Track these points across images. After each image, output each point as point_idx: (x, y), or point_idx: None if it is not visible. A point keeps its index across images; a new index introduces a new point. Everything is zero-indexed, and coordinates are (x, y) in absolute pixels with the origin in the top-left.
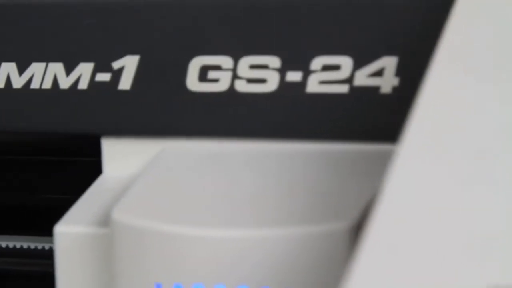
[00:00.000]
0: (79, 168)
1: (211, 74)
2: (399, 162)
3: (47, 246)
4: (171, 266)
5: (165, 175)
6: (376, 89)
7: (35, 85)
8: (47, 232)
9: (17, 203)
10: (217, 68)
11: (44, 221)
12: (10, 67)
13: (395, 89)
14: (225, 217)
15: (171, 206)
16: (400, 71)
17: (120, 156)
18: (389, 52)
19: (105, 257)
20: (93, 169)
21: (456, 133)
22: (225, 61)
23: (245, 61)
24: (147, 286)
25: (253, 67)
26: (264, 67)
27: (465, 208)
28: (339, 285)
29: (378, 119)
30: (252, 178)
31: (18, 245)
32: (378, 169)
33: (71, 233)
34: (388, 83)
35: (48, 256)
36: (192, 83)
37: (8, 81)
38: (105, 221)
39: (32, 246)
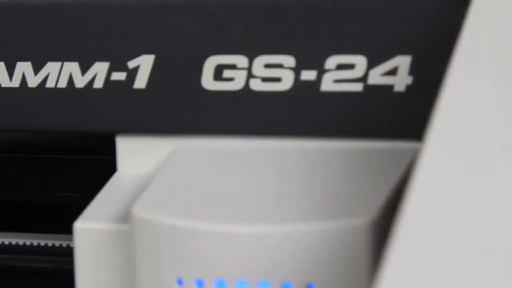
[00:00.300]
0: (93, 166)
1: (226, 73)
2: (425, 160)
3: (64, 244)
4: (193, 261)
5: (182, 172)
6: (390, 87)
7: (50, 84)
8: (63, 229)
9: (32, 201)
10: (232, 67)
11: (59, 219)
12: (25, 67)
13: (408, 87)
14: (246, 213)
15: (191, 202)
16: (413, 70)
17: (135, 154)
18: (402, 51)
19: (124, 253)
20: (108, 167)
21: (479, 131)
22: (240, 60)
23: (260, 60)
24: (168, 281)
25: (268, 66)
26: (279, 66)
27: (492, 205)
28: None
29: (392, 117)
30: (269, 175)
31: (35, 243)
32: (393, 166)
33: (91, 229)
34: (401, 81)
35: (63, 253)
36: (207, 82)
37: (24, 80)
38: (123, 217)
39: (50, 243)
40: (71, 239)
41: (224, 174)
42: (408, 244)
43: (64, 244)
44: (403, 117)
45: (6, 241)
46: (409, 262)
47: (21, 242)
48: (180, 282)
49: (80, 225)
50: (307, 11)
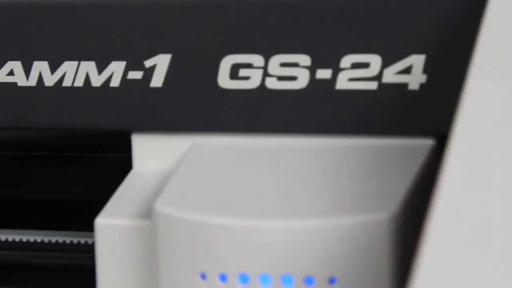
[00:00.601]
0: (108, 164)
1: (242, 72)
2: (452, 157)
3: (75, 240)
4: (216, 256)
5: (202, 169)
6: (404, 85)
7: (67, 83)
8: (80, 226)
9: (47, 198)
10: (248, 66)
11: (75, 216)
12: (42, 66)
13: (422, 85)
14: (268, 208)
15: (213, 198)
16: (427, 69)
17: (150, 152)
18: (417, 50)
19: (145, 248)
20: (123, 165)
21: (504, 128)
22: (256, 59)
23: (276, 59)
24: (191, 276)
25: (283, 65)
26: (295, 65)
27: None
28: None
29: (406, 115)
30: (287, 171)
31: (53, 240)
32: (409, 162)
33: (112, 225)
34: (416, 80)
35: (78, 250)
36: (224, 80)
37: (40, 79)
38: (144, 213)
39: (68, 240)
40: (86, 236)
41: (243, 170)
42: (439, 243)
43: (82, 241)
44: (417, 114)
45: (24, 238)
46: (441, 263)
47: (39, 239)
48: (203, 276)
49: (101, 221)
50: (323, 11)
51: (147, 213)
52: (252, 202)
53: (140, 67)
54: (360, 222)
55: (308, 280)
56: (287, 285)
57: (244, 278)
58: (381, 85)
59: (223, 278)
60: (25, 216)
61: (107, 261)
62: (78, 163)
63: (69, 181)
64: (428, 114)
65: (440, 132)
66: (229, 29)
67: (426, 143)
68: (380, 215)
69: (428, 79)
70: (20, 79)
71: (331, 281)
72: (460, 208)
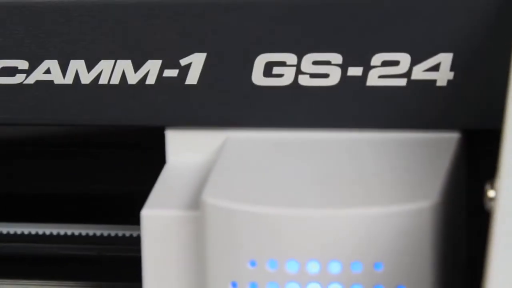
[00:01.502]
0: (142, 159)
1: (276, 70)
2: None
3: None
4: (267, 244)
5: (240, 161)
6: (432, 82)
7: (103, 81)
8: (118, 220)
9: (84, 193)
10: (282, 64)
11: (113, 210)
12: (78, 64)
13: (450, 82)
14: (314, 197)
15: (257, 188)
16: (455, 66)
17: (184, 147)
18: (445, 49)
19: (191, 238)
20: (156, 160)
21: None
22: (290, 57)
23: (309, 58)
24: (241, 263)
25: (316, 63)
26: (327, 63)
27: None
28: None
29: (434, 110)
30: (325, 163)
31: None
32: (441, 154)
33: (159, 216)
34: (443, 77)
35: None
36: (257, 78)
37: (77, 77)
38: (188, 204)
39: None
40: (118, 229)
41: (282, 162)
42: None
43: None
44: (444, 109)
45: (62, 232)
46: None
47: (69, 232)
48: (252, 263)
49: (148, 213)
50: (354, 11)
51: (191, 204)
52: (297, 192)
53: (175, 65)
54: (405, 210)
55: (355, 266)
56: (335, 271)
57: (293, 265)
58: (410, 82)
59: (272, 264)
60: (58, 211)
61: (153, 251)
62: (114, 158)
63: (104, 176)
64: (455, 109)
65: (465, 126)
66: (264, 28)
67: (453, 136)
68: (424, 203)
69: (455, 76)
70: (56, 77)
71: (377, 266)
72: None
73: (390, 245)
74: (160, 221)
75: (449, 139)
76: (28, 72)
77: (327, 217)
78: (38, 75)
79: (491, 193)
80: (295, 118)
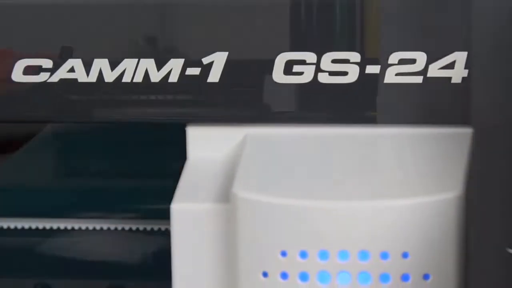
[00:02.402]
0: (164, 155)
1: (296, 68)
2: None
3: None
4: (298, 235)
5: (265, 155)
6: (447, 79)
7: (126, 79)
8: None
9: (103, 187)
10: (302, 62)
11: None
12: (102, 63)
13: (464, 79)
14: (343, 190)
15: (286, 182)
16: (469, 64)
17: (205, 143)
18: (459, 48)
19: (221, 231)
20: (177, 156)
21: None
22: (309, 56)
23: (328, 56)
24: (272, 254)
25: (335, 61)
26: (346, 61)
27: None
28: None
29: (449, 105)
30: (348, 157)
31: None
32: (458, 148)
33: (189, 209)
34: (458, 74)
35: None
36: (278, 76)
37: (100, 75)
38: (216, 198)
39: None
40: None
41: (306, 157)
42: None
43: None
44: (459, 105)
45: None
46: None
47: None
48: (284, 254)
49: (177, 207)
50: (373, 11)
51: (218, 197)
52: (324, 185)
53: (198, 64)
54: (432, 201)
55: (383, 255)
56: (364, 260)
57: (323, 255)
58: (426, 79)
59: (303, 255)
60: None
61: (183, 243)
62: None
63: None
64: (469, 105)
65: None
66: (284, 28)
67: (467, 131)
68: (450, 194)
69: (469, 74)
70: (80, 75)
71: (404, 255)
72: None
73: (417, 235)
74: (190, 214)
75: (464, 133)
76: (52, 71)
77: (356, 208)
78: (62, 73)
79: None
80: (314, 114)
